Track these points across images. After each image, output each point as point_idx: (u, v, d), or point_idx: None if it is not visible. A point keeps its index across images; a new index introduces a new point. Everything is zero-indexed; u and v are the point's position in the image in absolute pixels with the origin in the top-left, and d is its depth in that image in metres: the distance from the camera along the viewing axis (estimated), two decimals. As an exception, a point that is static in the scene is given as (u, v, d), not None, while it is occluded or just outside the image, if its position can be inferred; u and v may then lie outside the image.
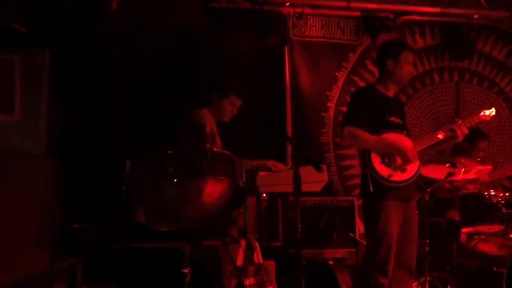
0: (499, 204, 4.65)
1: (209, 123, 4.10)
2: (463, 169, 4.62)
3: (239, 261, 3.82)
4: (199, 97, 4.34)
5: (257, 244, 3.95)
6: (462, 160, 4.68)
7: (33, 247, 4.48)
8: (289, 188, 3.49)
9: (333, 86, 6.00)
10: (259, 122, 5.63)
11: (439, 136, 4.06)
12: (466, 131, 4.05)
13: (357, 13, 6.01)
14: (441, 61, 6.29)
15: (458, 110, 6.21)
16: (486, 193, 4.75)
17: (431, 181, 4.81)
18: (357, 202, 5.03)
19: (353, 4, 5.91)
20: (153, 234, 3.16)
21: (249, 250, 3.84)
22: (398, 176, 3.93)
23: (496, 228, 4.77)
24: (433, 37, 6.26)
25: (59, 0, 4.74)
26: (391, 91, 4.18)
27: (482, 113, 4.23)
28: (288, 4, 5.85)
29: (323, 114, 5.95)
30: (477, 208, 4.72)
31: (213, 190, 2.97)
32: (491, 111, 4.22)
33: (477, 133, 5.42)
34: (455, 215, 4.95)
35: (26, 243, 4.45)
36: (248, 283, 3.68)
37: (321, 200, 5.06)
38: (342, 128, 4.08)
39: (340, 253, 5.00)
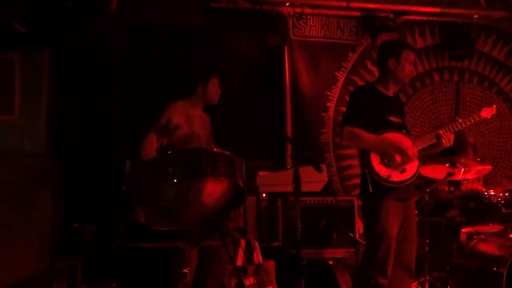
0: (499, 204, 4.64)
1: (177, 116, 4.13)
2: (463, 169, 4.61)
3: (239, 261, 3.82)
4: (184, 91, 4.37)
5: (257, 244, 3.96)
6: (462, 160, 4.67)
7: (33, 247, 4.48)
8: (289, 188, 3.48)
9: (333, 86, 6.00)
10: (259, 122, 5.64)
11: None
12: (452, 137, 4.03)
13: (357, 13, 6.00)
14: (441, 61, 6.29)
15: (458, 110, 6.20)
16: (486, 193, 4.74)
17: (431, 181, 4.81)
18: (357, 202, 5.02)
19: (353, 4, 5.90)
20: (153, 234, 3.16)
21: (249, 250, 3.85)
22: (397, 177, 3.93)
23: (496, 228, 4.77)
24: (433, 37, 6.26)
25: (59, 0, 4.74)
26: (391, 91, 4.17)
27: (482, 111, 4.21)
28: (288, 4, 5.85)
29: (323, 114, 5.95)
30: (477, 208, 4.72)
31: (213, 190, 2.97)
32: (492, 109, 4.21)
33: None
34: (455, 215, 4.94)
35: (26, 243, 4.45)
36: (248, 283, 3.69)
37: (321, 200, 5.07)
38: (342, 128, 4.06)
39: (340, 253, 5.01)
